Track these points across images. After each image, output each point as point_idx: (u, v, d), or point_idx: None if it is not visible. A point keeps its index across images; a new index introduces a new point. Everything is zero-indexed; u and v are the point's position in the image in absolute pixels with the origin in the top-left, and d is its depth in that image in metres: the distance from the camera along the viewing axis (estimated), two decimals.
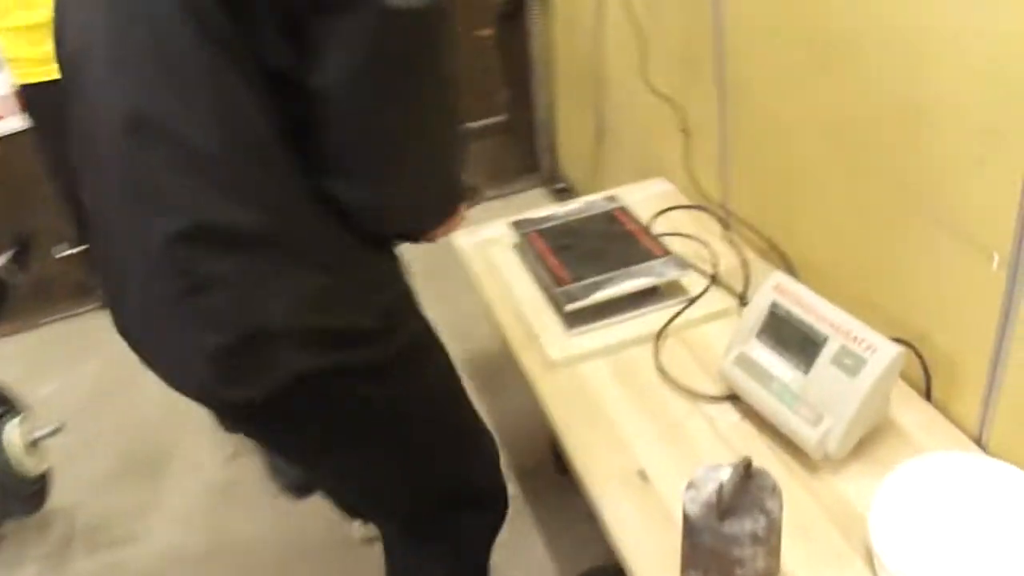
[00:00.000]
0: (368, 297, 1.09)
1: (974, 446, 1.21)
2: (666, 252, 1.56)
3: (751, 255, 1.64)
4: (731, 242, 1.69)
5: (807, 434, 1.17)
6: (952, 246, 1.18)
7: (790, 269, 1.56)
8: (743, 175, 1.71)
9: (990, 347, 1.16)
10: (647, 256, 1.55)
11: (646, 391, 1.38)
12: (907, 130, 1.20)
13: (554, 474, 1.99)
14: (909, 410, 1.27)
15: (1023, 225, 1.04)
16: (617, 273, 1.51)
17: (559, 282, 1.51)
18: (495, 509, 1.47)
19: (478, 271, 1.72)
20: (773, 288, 1.28)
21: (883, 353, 1.14)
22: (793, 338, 1.24)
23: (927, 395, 1.29)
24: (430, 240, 1.21)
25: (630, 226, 1.64)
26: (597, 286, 1.49)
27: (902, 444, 1.22)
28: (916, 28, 1.14)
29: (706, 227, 1.76)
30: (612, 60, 2.28)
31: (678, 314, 1.50)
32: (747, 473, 0.97)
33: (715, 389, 1.36)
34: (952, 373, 1.24)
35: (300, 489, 2.07)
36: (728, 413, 1.31)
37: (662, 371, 1.40)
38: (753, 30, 1.54)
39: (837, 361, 1.17)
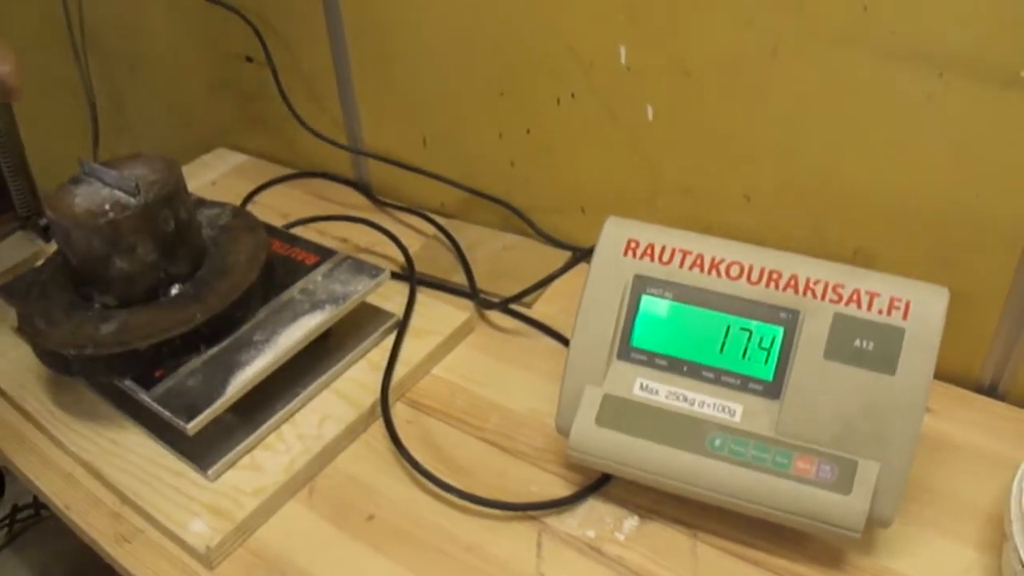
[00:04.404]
0: None
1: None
2: (329, 252, 0.82)
3: (442, 221, 0.99)
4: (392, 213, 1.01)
5: (834, 504, 0.57)
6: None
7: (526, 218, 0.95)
8: (377, 105, 1.02)
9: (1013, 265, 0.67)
10: (295, 271, 0.80)
11: (409, 531, 0.66)
12: None
13: None
14: None
15: None
16: (249, 326, 0.75)
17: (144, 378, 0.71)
18: None
19: None
20: (623, 252, 0.64)
21: (928, 308, 0.57)
22: (713, 335, 0.62)
23: None
24: None
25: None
26: (224, 362, 0.71)
27: (928, 450, 0.68)
28: None
29: (334, 198, 1.06)
30: None
31: (394, 357, 0.78)
32: None
33: (549, 482, 0.69)
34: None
35: None
36: (605, 520, 0.66)
37: (419, 477, 0.68)
38: None
39: (839, 349, 0.58)
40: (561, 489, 0.67)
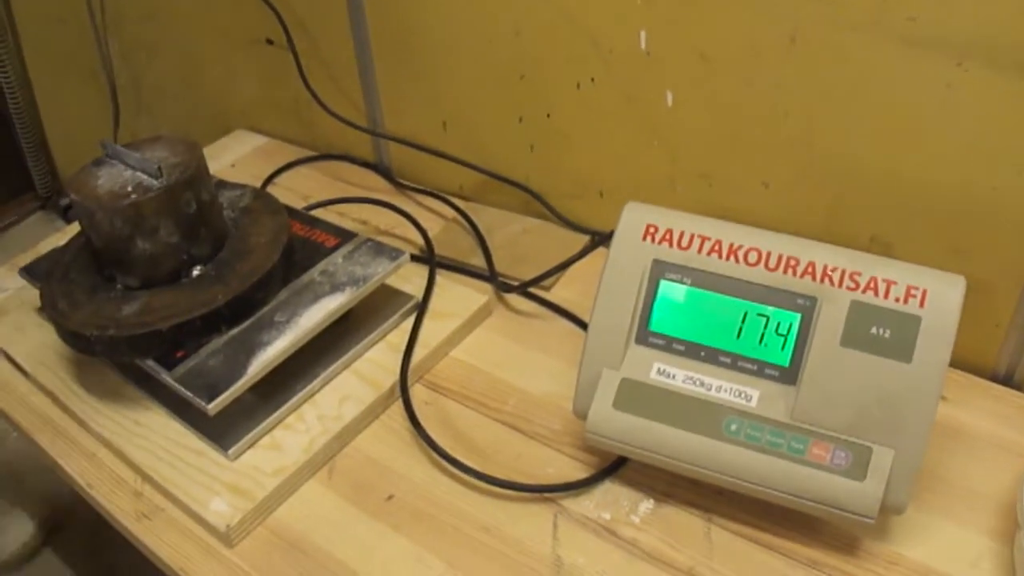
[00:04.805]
0: None
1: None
2: (349, 235, 0.83)
3: (462, 204, 1.00)
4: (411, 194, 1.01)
5: (848, 490, 0.57)
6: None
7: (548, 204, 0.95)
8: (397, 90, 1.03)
9: None
10: (316, 253, 0.81)
11: (427, 511, 0.66)
12: None
13: None
14: None
15: None
16: (270, 307, 0.75)
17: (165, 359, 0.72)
18: None
19: None
20: (642, 237, 0.64)
21: (945, 297, 0.57)
22: (731, 320, 0.62)
23: None
24: None
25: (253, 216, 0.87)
26: (245, 343, 0.72)
27: (942, 438, 0.68)
28: None
29: (354, 180, 1.07)
30: None
31: (413, 339, 0.79)
32: None
33: (565, 465, 0.69)
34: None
35: None
36: (620, 503, 0.66)
37: (437, 458, 0.69)
38: None
39: (855, 336, 0.58)
40: (577, 471, 0.68)
